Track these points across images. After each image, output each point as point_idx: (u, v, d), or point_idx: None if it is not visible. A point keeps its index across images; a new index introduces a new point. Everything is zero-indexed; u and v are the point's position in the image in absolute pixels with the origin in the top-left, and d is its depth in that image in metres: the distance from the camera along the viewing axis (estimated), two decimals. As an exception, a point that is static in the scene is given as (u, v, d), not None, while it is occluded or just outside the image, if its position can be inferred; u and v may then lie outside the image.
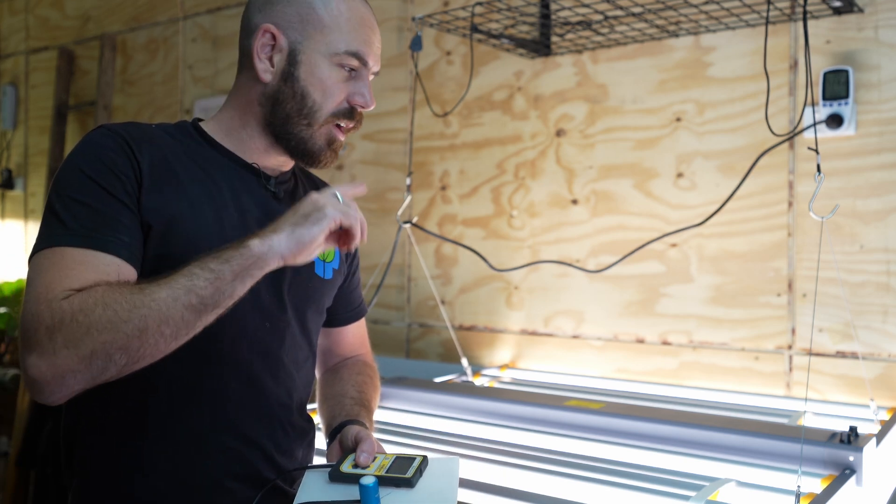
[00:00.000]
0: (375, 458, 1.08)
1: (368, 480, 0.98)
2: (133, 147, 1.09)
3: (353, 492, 1.01)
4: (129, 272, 1.03)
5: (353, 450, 1.10)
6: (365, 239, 1.07)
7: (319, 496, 1.03)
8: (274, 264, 1.00)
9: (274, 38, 1.15)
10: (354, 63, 1.16)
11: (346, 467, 1.06)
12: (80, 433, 1.13)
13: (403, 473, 1.03)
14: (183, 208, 1.09)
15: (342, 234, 1.05)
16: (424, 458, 1.07)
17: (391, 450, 1.45)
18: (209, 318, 0.98)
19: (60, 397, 0.96)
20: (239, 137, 1.20)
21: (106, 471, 1.10)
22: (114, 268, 1.01)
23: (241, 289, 0.99)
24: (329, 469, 1.07)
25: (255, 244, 0.99)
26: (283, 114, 1.16)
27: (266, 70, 1.15)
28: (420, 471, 1.05)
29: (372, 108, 1.19)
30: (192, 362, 1.10)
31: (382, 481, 1.02)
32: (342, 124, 1.18)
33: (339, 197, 1.05)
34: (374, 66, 1.19)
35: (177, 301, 0.95)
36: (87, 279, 0.98)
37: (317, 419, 1.33)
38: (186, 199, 1.11)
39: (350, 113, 1.18)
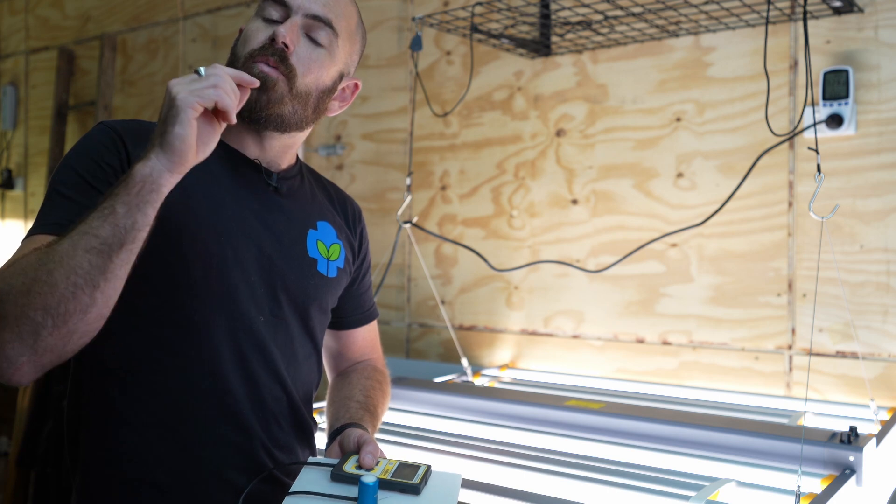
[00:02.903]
0: (378, 462, 1.06)
1: (370, 479, 0.96)
2: (126, 140, 1.10)
3: (350, 491, 0.99)
4: None
5: (355, 452, 1.09)
6: (239, 91, 1.00)
7: (315, 489, 1.01)
8: (167, 180, 0.95)
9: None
10: (274, 8, 1.15)
11: (350, 467, 1.04)
12: (81, 429, 1.13)
13: (410, 479, 1.01)
14: (175, 199, 1.09)
15: (217, 111, 0.98)
16: (429, 467, 1.06)
17: (390, 450, 1.45)
18: (123, 257, 0.94)
19: (13, 374, 0.93)
20: (238, 136, 1.21)
21: (106, 465, 1.10)
22: None
23: (143, 218, 0.94)
24: (329, 467, 1.06)
25: (137, 167, 0.94)
26: None
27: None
28: (425, 479, 1.03)
29: (286, 40, 1.12)
30: (190, 354, 1.11)
31: (388, 485, 1.00)
32: (260, 58, 1.12)
33: (199, 71, 0.98)
34: (309, 4, 1.15)
35: (76, 247, 0.92)
36: None
37: (324, 423, 1.33)
38: (179, 188, 1.10)
39: (264, 48, 1.12)
